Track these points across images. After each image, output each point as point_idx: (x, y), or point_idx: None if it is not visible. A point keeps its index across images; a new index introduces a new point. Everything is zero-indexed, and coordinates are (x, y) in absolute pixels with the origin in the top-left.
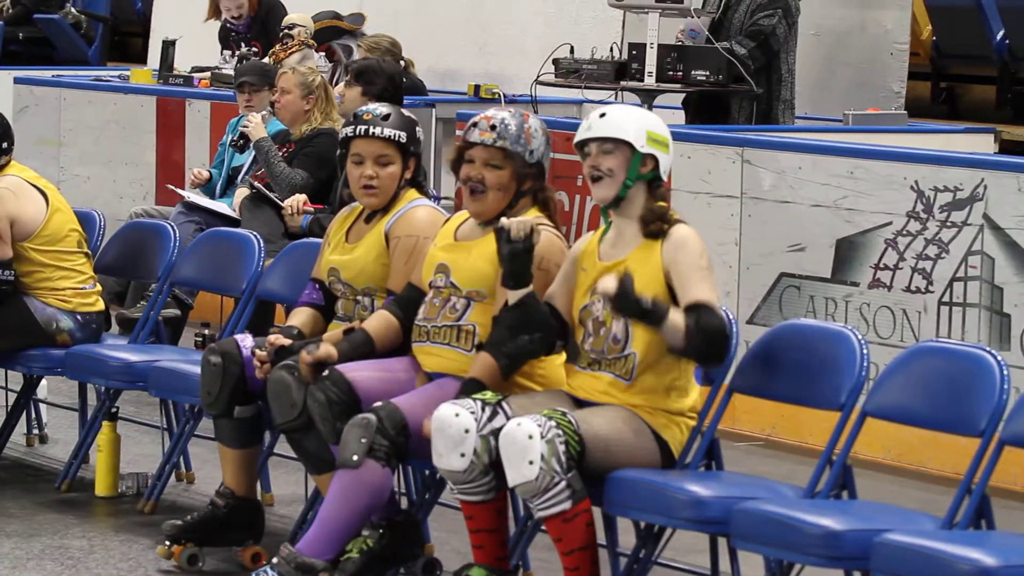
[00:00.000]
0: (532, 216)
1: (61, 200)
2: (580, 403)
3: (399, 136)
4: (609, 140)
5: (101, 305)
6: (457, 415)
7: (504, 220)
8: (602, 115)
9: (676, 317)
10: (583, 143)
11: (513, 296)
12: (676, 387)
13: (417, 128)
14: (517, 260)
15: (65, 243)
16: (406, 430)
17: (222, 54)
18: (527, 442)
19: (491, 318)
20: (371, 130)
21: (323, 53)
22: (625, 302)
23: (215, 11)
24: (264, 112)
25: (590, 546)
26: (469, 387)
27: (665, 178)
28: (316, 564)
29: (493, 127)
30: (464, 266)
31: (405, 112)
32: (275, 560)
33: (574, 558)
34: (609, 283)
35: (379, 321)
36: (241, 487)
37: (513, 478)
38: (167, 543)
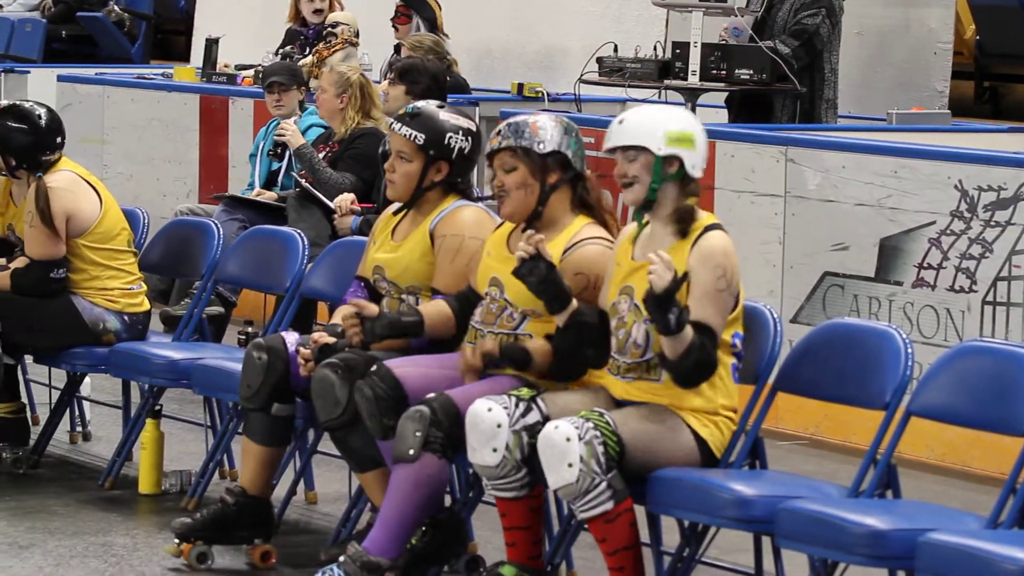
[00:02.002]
0: (579, 227)
1: (111, 198)
2: (618, 401)
3: (415, 136)
4: (629, 148)
5: (147, 305)
6: (490, 410)
7: (516, 254)
8: (620, 122)
9: (688, 332)
10: (611, 152)
11: (561, 319)
12: (712, 382)
13: (450, 135)
14: (545, 286)
15: (116, 241)
16: (459, 420)
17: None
18: (565, 445)
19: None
20: (394, 124)
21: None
22: (659, 304)
23: (296, 14)
24: (296, 117)
25: (634, 545)
26: (513, 352)
27: (698, 173)
28: (382, 563)
29: (499, 132)
30: (516, 284)
31: (448, 117)
32: (342, 559)
33: (618, 558)
34: (659, 280)
35: (434, 307)
36: (255, 486)
37: (553, 481)
38: (176, 541)
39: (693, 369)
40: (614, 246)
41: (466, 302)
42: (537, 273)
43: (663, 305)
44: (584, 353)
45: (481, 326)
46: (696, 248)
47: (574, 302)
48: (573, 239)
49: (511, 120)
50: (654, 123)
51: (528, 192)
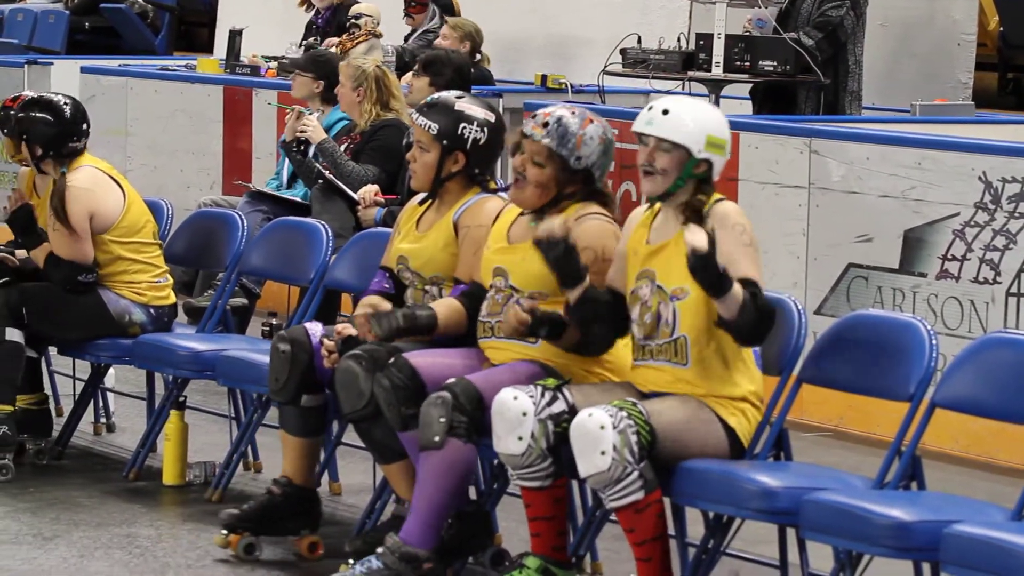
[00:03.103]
0: (579, 207)
1: (133, 191)
2: (643, 394)
3: (430, 126)
4: (668, 141)
5: (173, 298)
6: (516, 398)
7: (539, 229)
8: (665, 111)
9: (738, 289)
10: (641, 133)
11: (573, 295)
12: (737, 366)
13: (464, 126)
14: (563, 262)
15: (142, 234)
16: (482, 404)
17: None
18: (599, 432)
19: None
20: (414, 114)
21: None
22: (706, 262)
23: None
24: (318, 113)
25: (661, 536)
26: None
27: (716, 177)
28: (420, 554)
29: (546, 124)
30: (520, 269)
31: (464, 107)
32: (380, 550)
33: (646, 548)
34: (699, 239)
35: (445, 304)
36: (300, 476)
37: (585, 469)
38: (224, 532)
39: (756, 323)
40: (619, 228)
41: (476, 299)
42: (556, 249)
43: (710, 261)
44: (592, 330)
45: (488, 318)
46: (710, 218)
47: (587, 279)
48: (572, 216)
49: (562, 116)
50: (698, 125)
51: (544, 193)
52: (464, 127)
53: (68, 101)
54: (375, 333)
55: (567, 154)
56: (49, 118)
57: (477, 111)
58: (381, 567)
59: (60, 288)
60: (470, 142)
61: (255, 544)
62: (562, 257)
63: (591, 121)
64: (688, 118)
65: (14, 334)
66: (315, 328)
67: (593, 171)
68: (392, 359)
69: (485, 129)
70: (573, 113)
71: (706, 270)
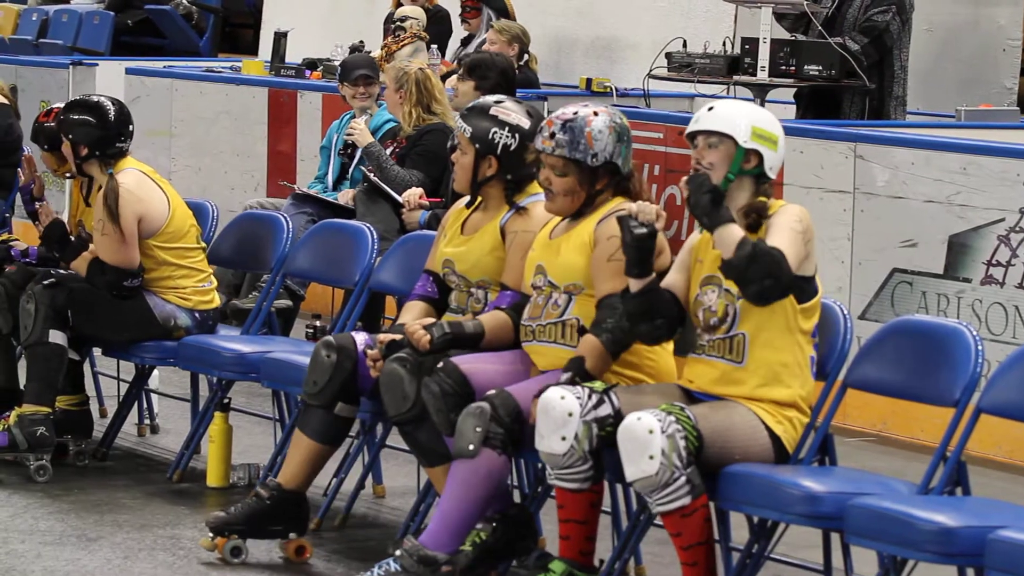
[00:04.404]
0: (615, 204)
1: (176, 195)
2: (691, 397)
3: (465, 129)
4: (714, 133)
5: (218, 302)
6: (563, 398)
7: (629, 206)
8: (710, 108)
9: (737, 229)
10: (692, 136)
11: (635, 284)
12: (792, 370)
13: (494, 131)
14: (641, 248)
15: (186, 239)
16: (520, 417)
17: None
18: (648, 437)
19: (594, 306)
20: (457, 116)
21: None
22: (699, 183)
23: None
24: (366, 116)
25: (707, 541)
26: (572, 364)
27: (773, 174)
28: (438, 557)
29: (552, 135)
30: (557, 262)
31: (499, 112)
32: (398, 553)
33: (692, 553)
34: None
35: (492, 317)
36: (295, 480)
37: (632, 473)
38: (210, 535)
39: (752, 261)
40: (690, 239)
41: (522, 310)
42: (639, 235)
43: (703, 186)
44: (652, 322)
45: (530, 322)
46: (770, 219)
47: (653, 275)
48: (607, 212)
49: (567, 121)
50: (743, 115)
51: (575, 198)
52: (495, 132)
53: (112, 102)
54: (431, 340)
55: (582, 156)
56: (92, 119)
57: (511, 116)
58: (399, 570)
59: (106, 292)
60: (500, 147)
61: (241, 547)
62: (643, 241)
63: (596, 114)
64: (732, 110)
65: (57, 336)
66: (360, 337)
67: (615, 161)
68: (441, 364)
69: (516, 135)
70: (576, 112)
71: (698, 191)
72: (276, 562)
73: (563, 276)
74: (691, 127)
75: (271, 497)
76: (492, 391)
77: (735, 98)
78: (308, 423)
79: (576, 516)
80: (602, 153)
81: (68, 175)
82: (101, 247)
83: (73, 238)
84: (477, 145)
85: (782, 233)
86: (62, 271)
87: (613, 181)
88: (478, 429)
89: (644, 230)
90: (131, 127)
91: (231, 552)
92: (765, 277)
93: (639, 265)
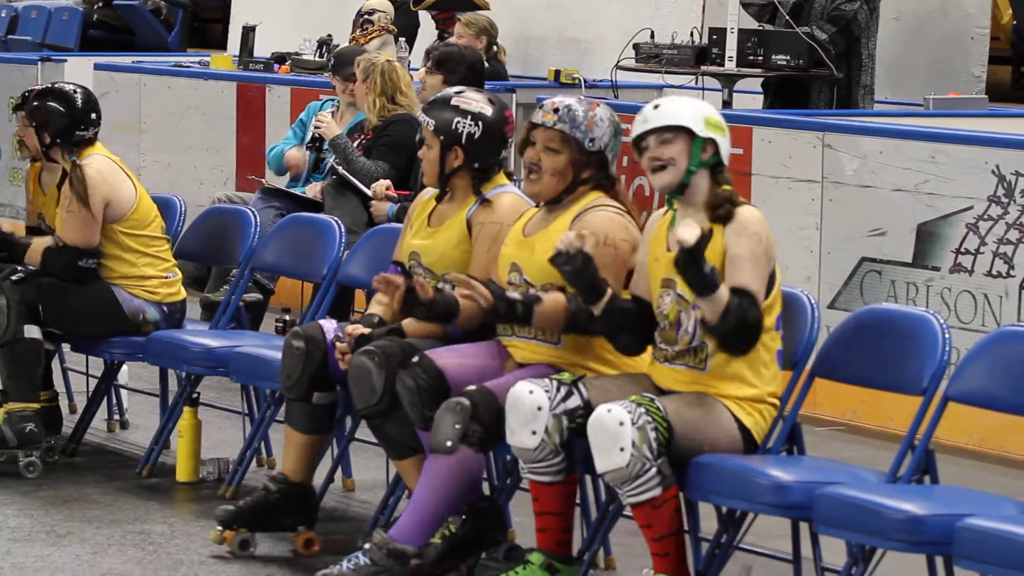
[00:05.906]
0: (592, 198)
1: (142, 187)
2: (660, 389)
3: (428, 122)
4: (668, 129)
5: (184, 294)
6: (531, 392)
7: (557, 244)
8: (656, 107)
9: (723, 292)
10: (640, 138)
11: (598, 308)
12: (757, 369)
13: (456, 120)
14: (582, 276)
15: (151, 228)
16: (499, 414)
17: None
18: (618, 429)
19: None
20: (420, 110)
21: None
22: (691, 257)
23: None
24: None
25: (678, 531)
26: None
27: (727, 162)
28: (408, 550)
29: (556, 110)
30: (532, 261)
31: (460, 102)
32: (367, 546)
33: (663, 544)
34: (688, 234)
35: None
36: (298, 473)
37: (603, 465)
38: (219, 528)
39: (736, 330)
40: (630, 220)
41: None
42: (573, 264)
43: (695, 258)
44: (621, 340)
45: None
46: (731, 224)
47: (609, 291)
48: (582, 208)
49: (570, 103)
50: (691, 107)
51: (560, 180)
52: (458, 122)
53: (79, 90)
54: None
55: (581, 136)
56: (61, 108)
57: (472, 105)
58: (368, 563)
59: (64, 278)
60: (464, 137)
61: (250, 540)
62: (580, 270)
63: (598, 105)
64: (680, 105)
65: (32, 331)
66: (329, 325)
67: (607, 153)
68: (416, 359)
69: (479, 123)
70: (579, 100)
71: (690, 265)
72: (285, 555)
73: (539, 275)
74: (640, 128)
75: (279, 490)
76: (472, 387)
77: (703, 88)
78: (293, 417)
79: (551, 508)
80: (599, 140)
81: (31, 158)
82: (66, 225)
83: (21, 235)
84: (441, 137)
85: (746, 265)
86: (29, 267)
87: (599, 175)
88: (457, 426)
89: (569, 266)
90: (97, 116)
91: (239, 545)
92: (743, 343)
93: (588, 291)
